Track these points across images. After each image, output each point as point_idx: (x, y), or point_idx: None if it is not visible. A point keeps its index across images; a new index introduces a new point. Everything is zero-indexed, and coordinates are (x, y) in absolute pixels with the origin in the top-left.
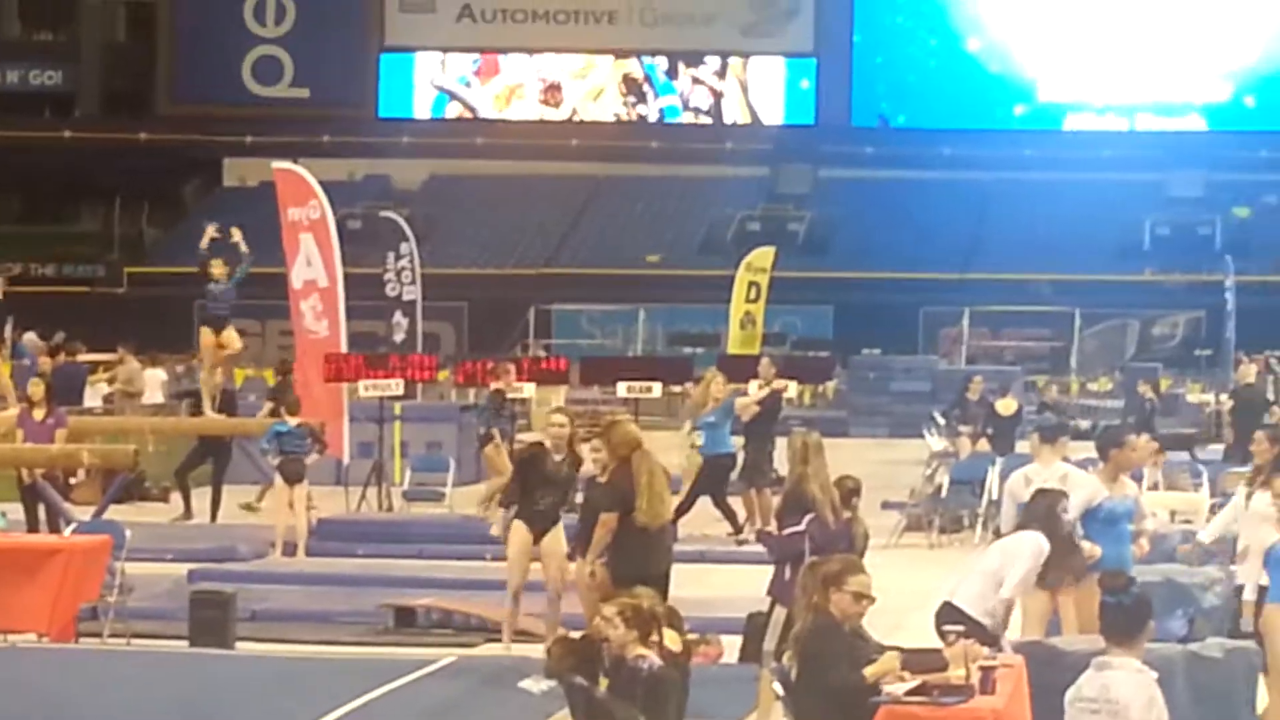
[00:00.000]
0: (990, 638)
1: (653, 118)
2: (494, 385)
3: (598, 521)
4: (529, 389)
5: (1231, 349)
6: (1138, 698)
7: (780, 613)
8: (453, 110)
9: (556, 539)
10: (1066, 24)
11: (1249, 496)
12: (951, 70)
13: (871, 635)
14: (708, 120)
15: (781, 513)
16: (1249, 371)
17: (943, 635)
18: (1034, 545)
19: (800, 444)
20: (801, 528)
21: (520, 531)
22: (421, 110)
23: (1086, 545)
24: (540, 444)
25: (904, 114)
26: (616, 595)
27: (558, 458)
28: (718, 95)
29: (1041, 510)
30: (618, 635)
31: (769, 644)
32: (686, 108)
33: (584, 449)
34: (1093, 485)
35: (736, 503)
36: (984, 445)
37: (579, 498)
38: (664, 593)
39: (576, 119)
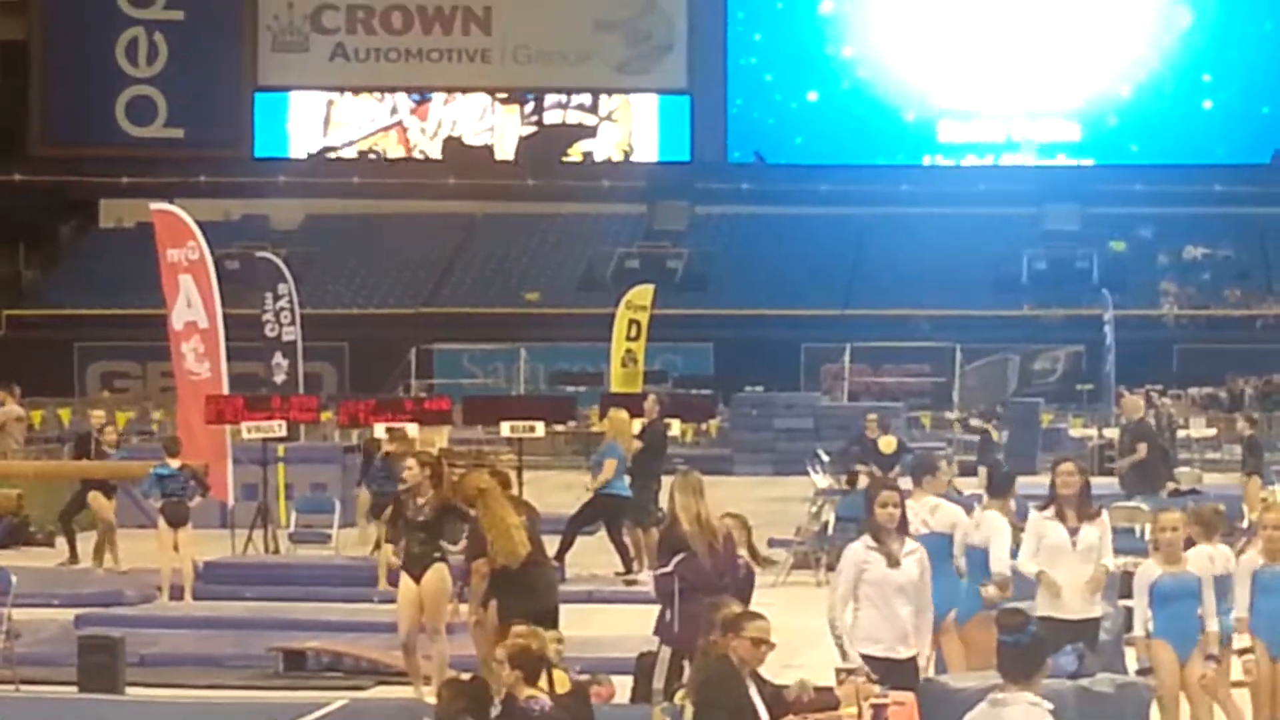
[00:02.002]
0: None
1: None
2: (386, 447)
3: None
4: (412, 429)
5: (1112, 383)
6: None
7: (666, 651)
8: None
9: (432, 580)
10: (940, 59)
11: (1073, 532)
12: (825, 108)
13: (766, 677)
14: (585, 155)
15: (658, 552)
16: (1138, 405)
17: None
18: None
19: (667, 483)
20: (669, 569)
21: (403, 579)
22: (297, 149)
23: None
24: (405, 490)
25: (779, 151)
26: (506, 636)
27: (419, 501)
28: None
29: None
30: (506, 676)
31: (657, 683)
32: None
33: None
34: (955, 516)
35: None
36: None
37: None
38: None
39: (451, 156)
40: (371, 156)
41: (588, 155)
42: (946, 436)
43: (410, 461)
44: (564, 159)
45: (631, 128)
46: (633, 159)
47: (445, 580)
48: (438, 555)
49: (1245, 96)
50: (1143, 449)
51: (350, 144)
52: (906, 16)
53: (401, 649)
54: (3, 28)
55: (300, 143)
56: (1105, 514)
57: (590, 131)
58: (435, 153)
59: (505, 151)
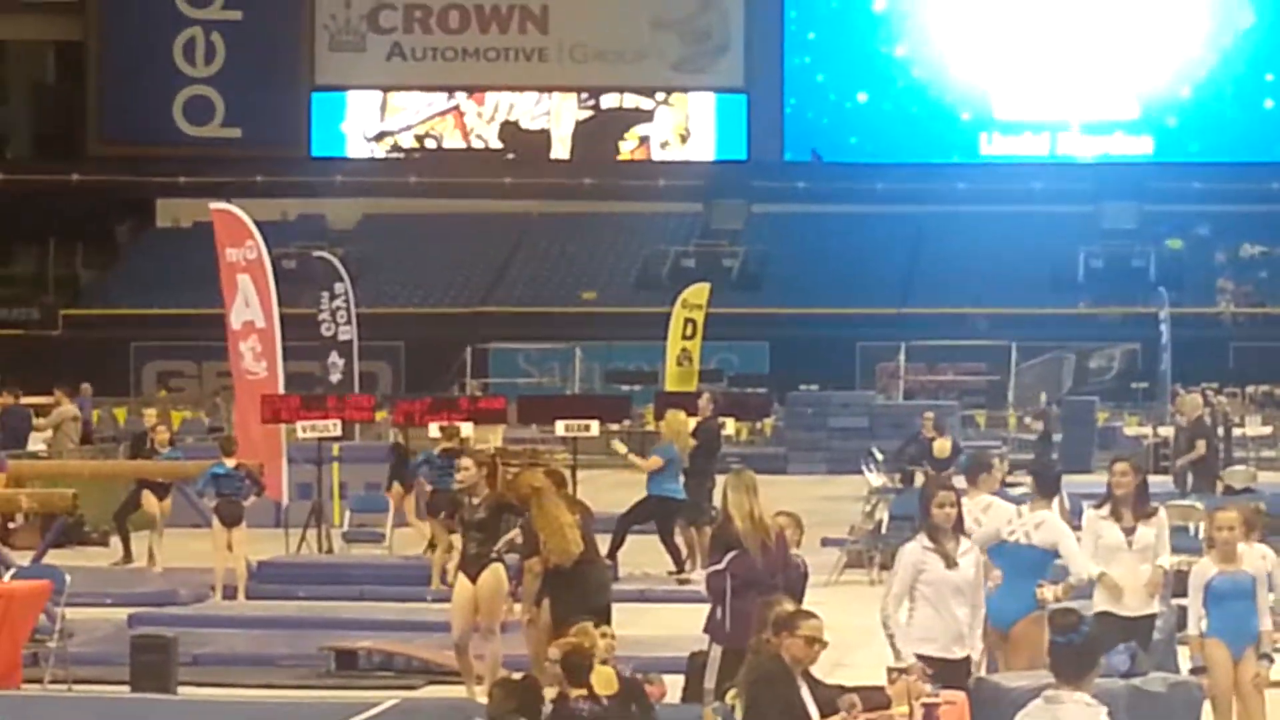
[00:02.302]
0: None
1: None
2: (443, 444)
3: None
4: (467, 428)
5: (1168, 381)
6: None
7: (717, 650)
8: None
9: (489, 581)
10: (995, 59)
11: (1129, 531)
12: (880, 107)
13: (818, 676)
14: (642, 139)
15: (710, 550)
16: (1197, 403)
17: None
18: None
19: (720, 481)
20: (721, 566)
21: (460, 580)
22: (354, 149)
23: (995, 574)
24: (460, 490)
25: (834, 150)
26: (559, 635)
27: (475, 501)
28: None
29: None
30: (555, 675)
31: (708, 682)
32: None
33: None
34: (1008, 515)
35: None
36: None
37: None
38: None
39: (509, 156)
40: (429, 141)
41: (644, 140)
42: (1001, 435)
43: (466, 461)
44: (621, 143)
45: (688, 111)
46: (689, 158)
47: (501, 580)
48: (494, 556)
49: None
50: (1201, 446)
51: (408, 128)
52: (961, 17)
53: (454, 648)
54: (60, 28)
55: (357, 141)
56: (1162, 513)
57: (647, 116)
58: (493, 138)
59: (562, 145)
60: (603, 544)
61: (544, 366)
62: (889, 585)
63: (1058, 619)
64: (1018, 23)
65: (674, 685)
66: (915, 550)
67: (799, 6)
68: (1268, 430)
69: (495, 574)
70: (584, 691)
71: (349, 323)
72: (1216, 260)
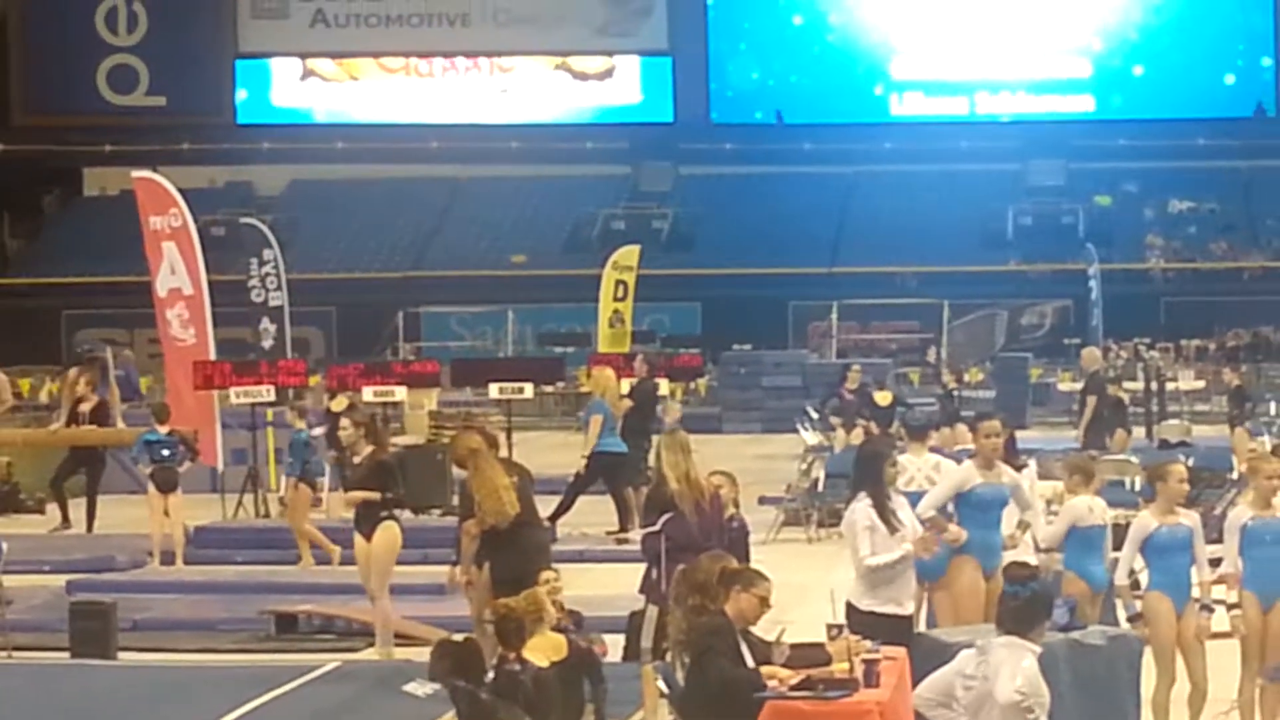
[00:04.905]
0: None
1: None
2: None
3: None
4: (400, 392)
5: (1100, 337)
6: (1006, 663)
7: (654, 610)
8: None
9: (379, 540)
10: (925, 13)
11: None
12: (809, 66)
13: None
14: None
15: (644, 511)
16: (1094, 356)
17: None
18: (860, 512)
19: (655, 442)
20: (656, 528)
21: (357, 539)
22: (280, 115)
23: (952, 529)
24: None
25: (763, 110)
26: (498, 597)
27: (356, 460)
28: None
29: (864, 471)
30: (490, 640)
31: (645, 641)
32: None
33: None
34: (964, 472)
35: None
36: (858, 436)
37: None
38: None
39: (434, 121)
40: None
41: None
42: (935, 393)
43: (344, 421)
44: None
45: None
46: (616, 121)
47: (393, 539)
48: (384, 514)
49: (1224, 53)
50: (1091, 403)
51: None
52: None
53: (370, 601)
54: None
55: (283, 108)
56: (1031, 468)
57: None
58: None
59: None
60: (542, 505)
61: (476, 330)
62: (862, 549)
63: (1011, 570)
64: None
65: (614, 644)
66: (866, 510)
67: None
68: (1200, 384)
69: (387, 532)
70: (519, 655)
71: (279, 288)
72: (1145, 216)
